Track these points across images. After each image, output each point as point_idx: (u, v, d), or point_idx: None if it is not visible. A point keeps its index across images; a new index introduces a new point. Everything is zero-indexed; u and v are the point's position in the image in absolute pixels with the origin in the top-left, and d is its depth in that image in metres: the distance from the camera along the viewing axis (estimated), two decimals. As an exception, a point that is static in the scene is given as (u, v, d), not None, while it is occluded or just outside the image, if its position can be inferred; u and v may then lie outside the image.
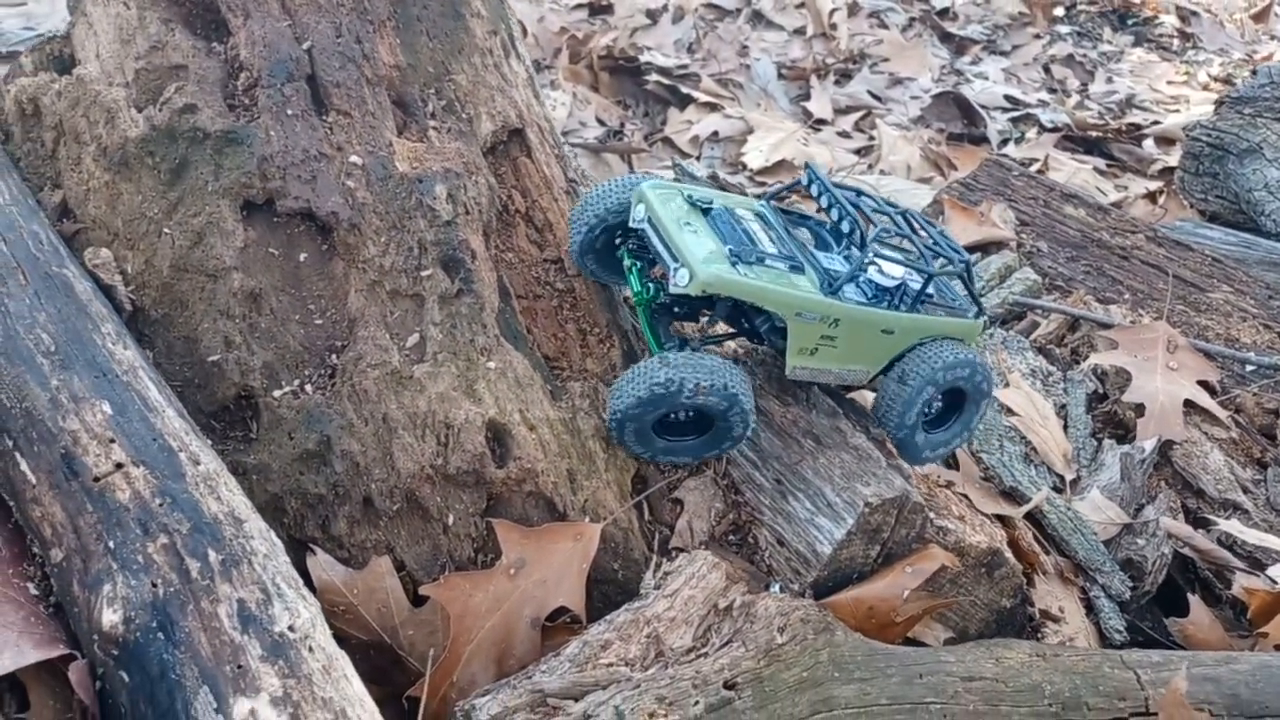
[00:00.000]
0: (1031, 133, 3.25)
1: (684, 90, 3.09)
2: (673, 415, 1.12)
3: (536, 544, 1.09)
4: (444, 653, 1.00)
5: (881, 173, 2.90)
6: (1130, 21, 4.21)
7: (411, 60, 1.30)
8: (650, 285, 1.17)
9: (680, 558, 1.10)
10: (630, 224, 1.16)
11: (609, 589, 1.14)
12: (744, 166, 2.89)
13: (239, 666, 0.84)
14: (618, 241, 1.23)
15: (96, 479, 0.91)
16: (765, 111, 3.14)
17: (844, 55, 3.62)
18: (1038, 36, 4.01)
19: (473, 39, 1.36)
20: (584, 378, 1.23)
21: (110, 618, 0.85)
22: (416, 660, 1.05)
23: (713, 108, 3.06)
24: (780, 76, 3.40)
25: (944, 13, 4.05)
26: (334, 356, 1.13)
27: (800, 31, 3.78)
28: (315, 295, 1.15)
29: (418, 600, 1.07)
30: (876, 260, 1.15)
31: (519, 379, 1.16)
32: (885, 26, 3.84)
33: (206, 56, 1.21)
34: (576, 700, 0.94)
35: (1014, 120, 3.34)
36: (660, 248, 1.11)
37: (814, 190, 1.18)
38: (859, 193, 1.22)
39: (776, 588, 1.14)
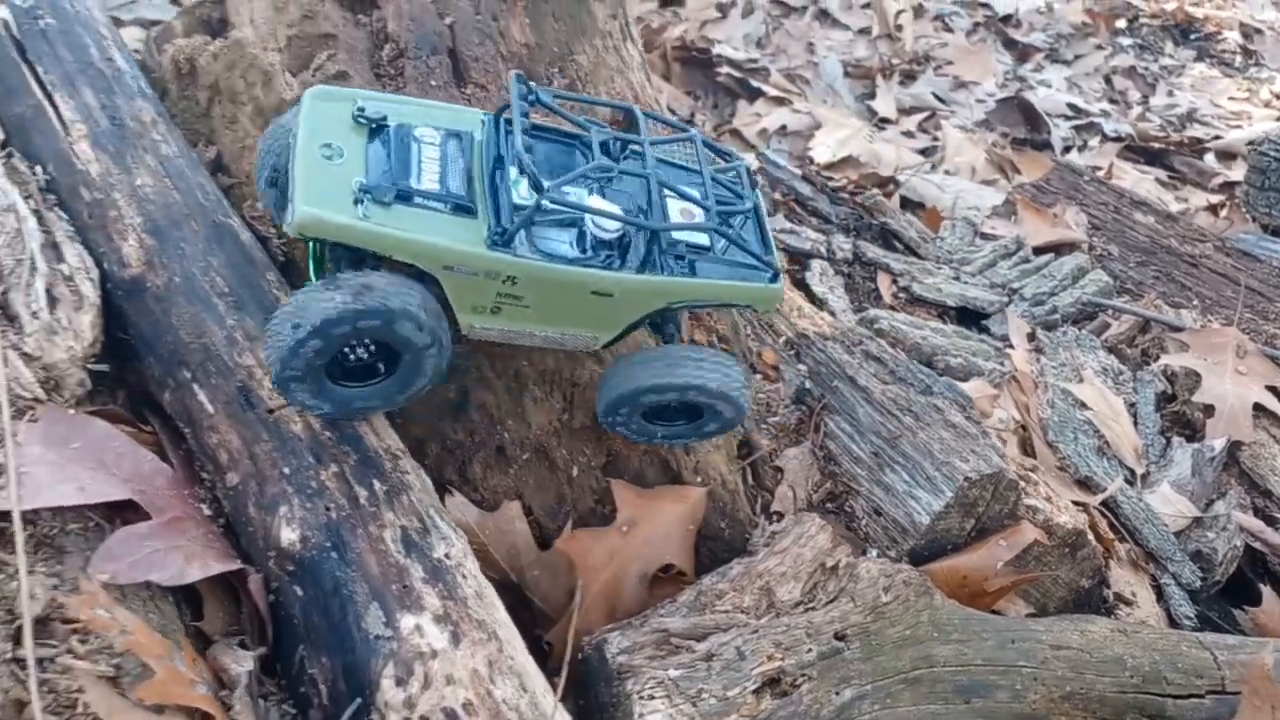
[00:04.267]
0: (1094, 141, 3.29)
1: (754, 84, 3.15)
2: (350, 355, 0.93)
3: (648, 505, 1.16)
4: (582, 599, 1.07)
5: (946, 173, 2.95)
6: (1192, 36, 4.23)
7: (539, 39, 1.37)
8: None
9: (788, 519, 1.17)
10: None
11: (715, 545, 1.21)
12: (811, 161, 2.95)
13: (404, 586, 0.92)
14: None
15: (270, 411, 0.99)
16: (832, 108, 3.20)
17: (908, 56, 3.66)
18: (1100, 47, 4.04)
19: (595, 22, 1.43)
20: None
21: (289, 536, 0.93)
22: (540, 600, 1.12)
23: (781, 102, 3.12)
24: (846, 74, 3.45)
25: (1007, 19, 4.08)
26: (469, 314, 1.20)
27: (865, 31, 3.83)
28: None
29: (544, 544, 1.14)
30: (608, 200, 0.96)
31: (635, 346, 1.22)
32: (950, 30, 3.88)
33: (354, 27, 1.28)
34: (699, 640, 1.01)
35: (1076, 128, 3.38)
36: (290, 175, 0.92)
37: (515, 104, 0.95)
38: (630, 111, 1.03)
39: (874, 554, 1.20)
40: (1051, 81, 3.74)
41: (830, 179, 2.99)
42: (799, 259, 1.82)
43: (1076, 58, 3.97)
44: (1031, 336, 1.82)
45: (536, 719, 0.89)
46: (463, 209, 0.93)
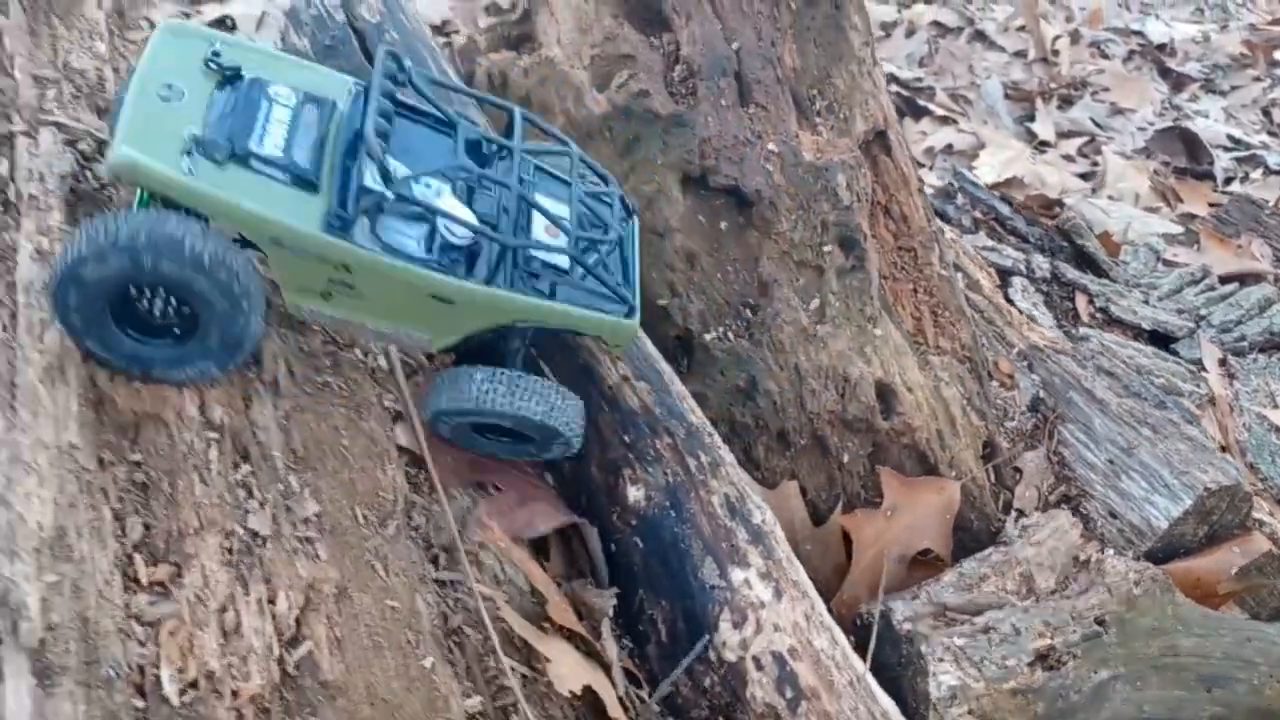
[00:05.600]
0: (1256, 174, 3.30)
1: (920, 102, 3.24)
2: (139, 301, 0.85)
3: (910, 493, 1.28)
4: (861, 573, 1.20)
5: (1109, 198, 3.01)
6: (1353, 70, 4.18)
7: (804, 64, 1.50)
8: None
9: (1039, 514, 1.28)
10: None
11: (963, 535, 1.32)
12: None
13: (732, 545, 1.05)
14: None
15: (610, 386, 1.13)
16: (995, 129, 3.27)
17: (1065, 81, 3.71)
18: (1258, 79, 4.02)
19: (850, 48, 1.55)
20: (939, 353, 1.41)
21: (634, 494, 1.07)
22: (811, 572, 1.25)
23: (946, 121, 3.21)
24: (1006, 96, 3.52)
25: (1162, 48, 4.10)
26: (748, 311, 1.33)
27: (1021, 54, 3.88)
28: (732, 259, 1.36)
29: (816, 522, 1.27)
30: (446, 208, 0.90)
31: (897, 347, 1.35)
32: (1106, 57, 3.91)
33: (649, 49, 1.43)
34: (974, 615, 1.13)
35: (1237, 160, 3.40)
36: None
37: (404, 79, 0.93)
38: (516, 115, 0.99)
39: (1110, 553, 1.30)
40: (1208, 112, 3.75)
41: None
42: (1002, 275, 1.92)
43: (1233, 89, 3.96)
44: (1223, 362, 1.90)
45: (848, 668, 1.01)
46: (304, 182, 0.85)
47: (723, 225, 1.36)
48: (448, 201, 0.90)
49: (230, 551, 0.85)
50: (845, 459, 1.28)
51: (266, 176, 0.84)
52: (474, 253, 0.91)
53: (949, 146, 3.11)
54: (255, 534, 0.87)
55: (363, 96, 0.91)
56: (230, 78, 0.88)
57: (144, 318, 0.85)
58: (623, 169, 1.35)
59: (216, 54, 0.88)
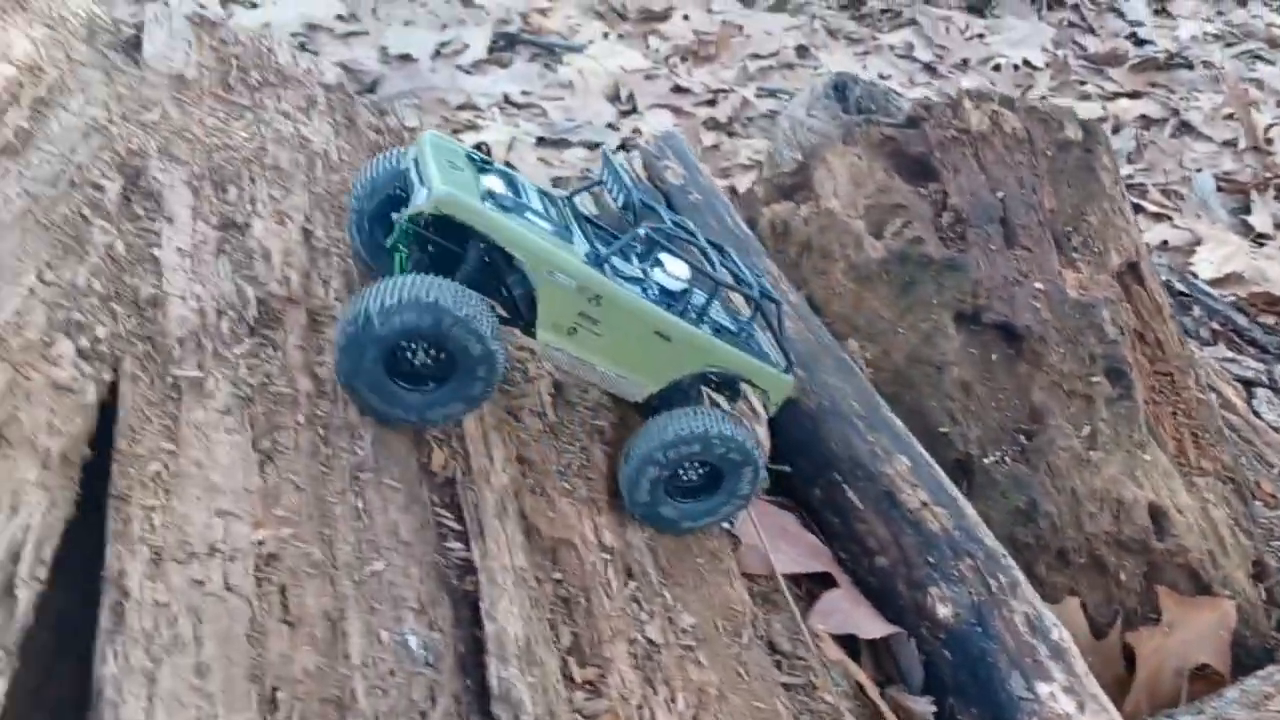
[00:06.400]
0: None
1: (1133, 200, 3.29)
2: (407, 356, 0.98)
3: (1187, 610, 1.37)
4: (1143, 687, 1.30)
5: (1341, 294, 2.96)
6: None
7: (1060, 205, 1.64)
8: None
9: (1318, 635, 1.34)
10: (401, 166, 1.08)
11: (1238, 652, 1.40)
12: (1195, 276, 3.05)
13: (1035, 660, 1.18)
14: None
15: (911, 511, 1.29)
16: (1209, 223, 3.28)
17: (1280, 170, 3.67)
18: None
19: (1102, 187, 1.68)
20: (1202, 474, 1.50)
21: (943, 611, 1.22)
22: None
23: (1160, 218, 3.24)
24: (1219, 189, 3.51)
25: (1385, 131, 3.99)
26: (1022, 437, 1.47)
27: (1231, 144, 3.87)
28: (1002, 388, 1.50)
29: (1096, 635, 1.37)
30: (661, 260, 1.07)
31: (1165, 470, 1.45)
32: (1324, 143, 3.84)
33: (919, 199, 1.60)
34: (1263, 732, 1.21)
35: None
36: (415, 180, 1.02)
37: (606, 174, 1.10)
38: (677, 223, 1.11)
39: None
40: None
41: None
42: (1245, 387, 1.97)
43: None
44: None
45: (1152, 780, 1.12)
46: (563, 236, 1.02)
47: (994, 357, 1.50)
48: (666, 259, 1.07)
49: (636, 657, 1.04)
50: (1122, 577, 1.39)
51: (537, 225, 1.01)
52: (685, 300, 1.06)
53: (1164, 243, 3.14)
54: (651, 641, 1.06)
55: (572, 206, 1.12)
56: (486, 167, 1.07)
57: (408, 370, 0.99)
58: (900, 308, 1.52)
59: (470, 154, 1.08)
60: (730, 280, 1.09)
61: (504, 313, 1.06)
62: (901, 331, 1.51)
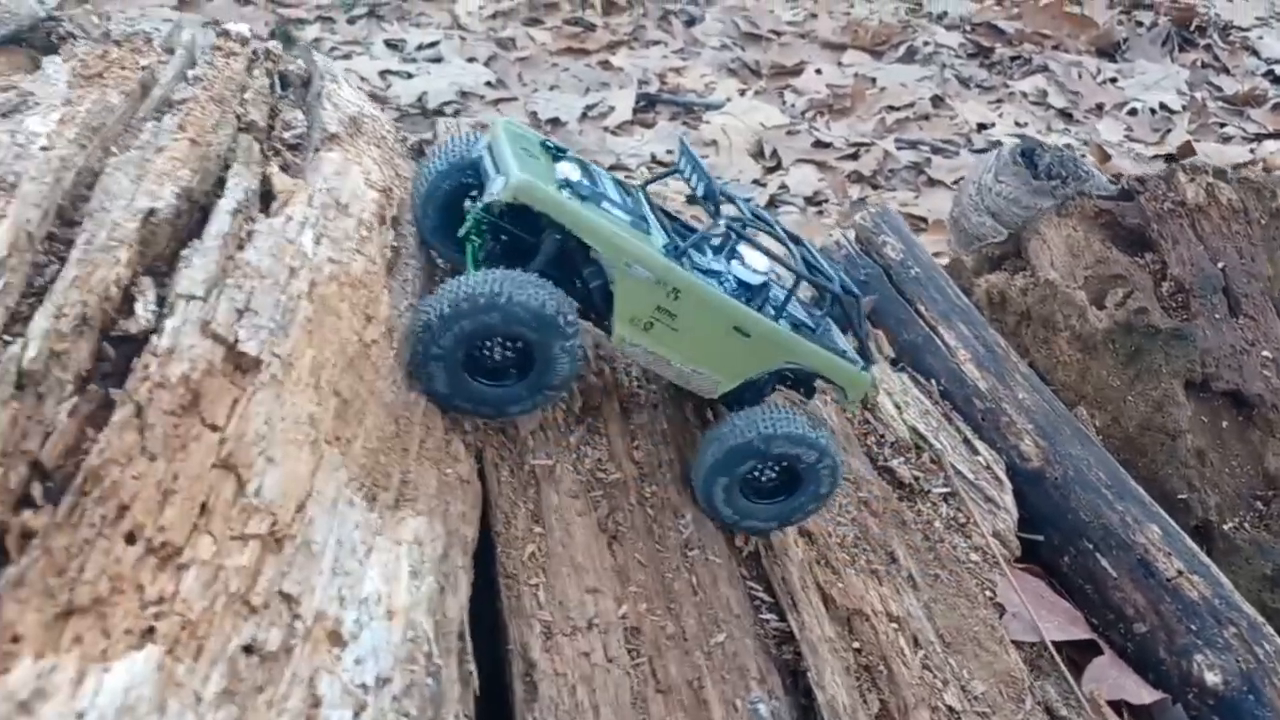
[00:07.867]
0: None
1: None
2: (485, 350, 0.96)
3: None
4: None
5: None
6: None
7: (1275, 271, 1.68)
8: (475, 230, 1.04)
9: None
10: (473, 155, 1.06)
11: None
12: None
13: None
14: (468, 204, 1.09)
15: (1169, 579, 1.34)
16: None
17: None
18: None
19: (1314, 253, 1.71)
20: None
21: (1211, 678, 1.26)
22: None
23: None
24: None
25: None
26: (1259, 503, 1.50)
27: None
28: (1235, 454, 1.54)
29: None
30: (740, 252, 1.03)
31: None
32: None
33: (1137, 268, 1.66)
34: None
35: None
36: (490, 168, 1.00)
37: (683, 163, 1.05)
38: (756, 215, 1.07)
39: None
40: None
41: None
42: None
43: None
44: None
45: None
46: (641, 226, 0.99)
47: (1224, 424, 1.55)
48: (745, 251, 1.03)
49: (940, 722, 1.11)
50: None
51: (614, 215, 0.98)
52: (763, 295, 1.02)
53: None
54: (951, 709, 1.13)
55: (646, 196, 1.11)
56: (560, 154, 1.04)
57: (487, 366, 0.97)
58: (1128, 376, 1.57)
59: (545, 141, 1.05)
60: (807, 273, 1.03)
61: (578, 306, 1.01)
62: (1131, 399, 1.56)
